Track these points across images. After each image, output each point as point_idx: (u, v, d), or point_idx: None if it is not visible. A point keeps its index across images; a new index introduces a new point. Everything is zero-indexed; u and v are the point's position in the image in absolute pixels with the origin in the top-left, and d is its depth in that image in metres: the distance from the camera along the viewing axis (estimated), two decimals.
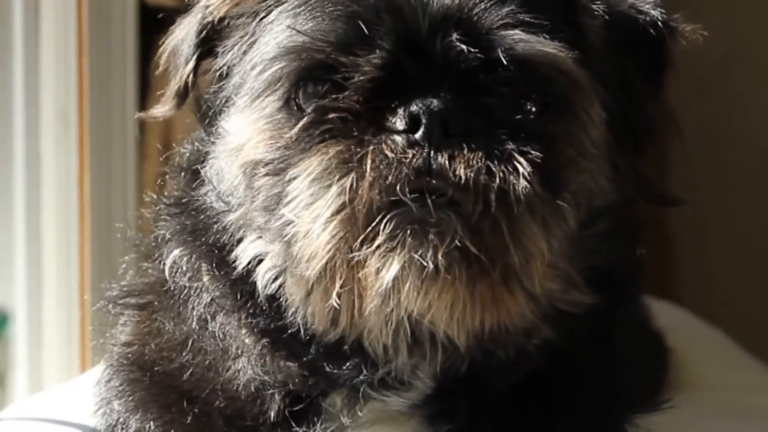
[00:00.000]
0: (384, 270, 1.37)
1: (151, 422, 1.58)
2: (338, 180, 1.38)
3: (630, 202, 1.61)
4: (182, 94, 1.61)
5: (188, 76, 1.59)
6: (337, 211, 1.38)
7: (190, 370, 1.58)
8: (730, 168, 3.70)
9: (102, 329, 1.74)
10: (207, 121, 1.61)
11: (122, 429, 1.61)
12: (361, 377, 1.48)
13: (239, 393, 1.55)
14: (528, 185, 1.37)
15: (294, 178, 1.42)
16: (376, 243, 1.37)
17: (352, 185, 1.37)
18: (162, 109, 1.64)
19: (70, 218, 2.69)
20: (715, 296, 3.48)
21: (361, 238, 1.37)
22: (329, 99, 1.42)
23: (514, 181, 1.37)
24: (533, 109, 1.43)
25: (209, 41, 1.59)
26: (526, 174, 1.37)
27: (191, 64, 1.58)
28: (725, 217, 3.68)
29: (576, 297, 1.50)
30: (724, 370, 2.43)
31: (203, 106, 1.63)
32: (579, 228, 1.49)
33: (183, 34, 1.63)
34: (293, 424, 1.53)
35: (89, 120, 2.72)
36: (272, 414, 1.53)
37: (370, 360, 1.48)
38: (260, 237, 1.49)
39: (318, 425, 1.53)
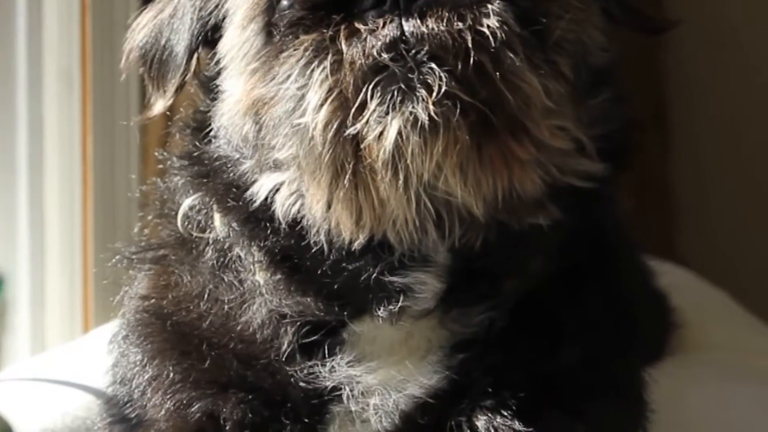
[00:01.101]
0: (383, 136, 1.37)
1: (170, 368, 1.58)
2: (319, 65, 1.40)
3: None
4: (182, 84, 1.61)
5: (193, 68, 1.59)
6: (327, 95, 1.39)
7: (209, 320, 1.59)
8: (734, 127, 3.70)
9: (115, 286, 1.75)
10: (208, 88, 1.61)
11: (139, 376, 1.62)
12: (381, 263, 1.47)
13: (255, 336, 1.56)
14: (500, 19, 1.38)
15: (283, 81, 1.43)
16: (369, 111, 1.38)
17: (333, 66, 1.39)
18: (161, 103, 1.63)
19: (72, 179, 2.69)
20: (719, 258, 3.48)
21: (354, 110, 1.38)
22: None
23: (486, 21, 1.37)
24: None
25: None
26: (496, 9, 1.38)
27: (194, 60, 1.59)
28: (729, 177, 3.68)
29: (587, 166, 1.49)
30: (729, 331, 2.44)
31: (203, 79, 1.62)
32: (583, 90, 1.49)
33: (159, 25, 1.62)
34: (305, 357, 1.53)
35: (92, 80, 2.71)
36: (285, 345, 1.54)
37: (387, 245, 1.47)
38: (276, 171, 1.49)
39: (337, 356, 1.53)
